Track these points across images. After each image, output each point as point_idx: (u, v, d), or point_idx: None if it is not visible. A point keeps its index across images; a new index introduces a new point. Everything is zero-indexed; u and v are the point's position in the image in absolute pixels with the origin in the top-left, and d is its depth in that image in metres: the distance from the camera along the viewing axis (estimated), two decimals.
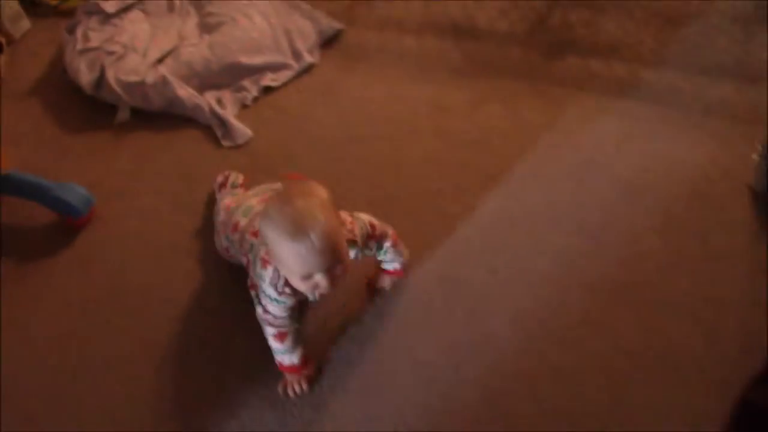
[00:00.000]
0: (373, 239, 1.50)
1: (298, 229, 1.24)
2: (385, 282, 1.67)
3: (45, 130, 2.16)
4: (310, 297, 1.38)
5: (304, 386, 1.53)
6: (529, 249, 1.71)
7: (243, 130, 2.10)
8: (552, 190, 1.83)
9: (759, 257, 1.64)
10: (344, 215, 1.44)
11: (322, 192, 1.31)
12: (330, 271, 1.30)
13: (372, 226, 1.50)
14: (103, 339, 1.67)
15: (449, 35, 2.28)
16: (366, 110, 2.10)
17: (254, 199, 1.61)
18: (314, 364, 1.56)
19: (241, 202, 1.63)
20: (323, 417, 1.50)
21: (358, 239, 1.44)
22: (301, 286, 1.33)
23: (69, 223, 1.89)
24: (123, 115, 2.17)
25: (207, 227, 1.82)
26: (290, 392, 1.53)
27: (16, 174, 1.87)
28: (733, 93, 1.98)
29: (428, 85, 2.14)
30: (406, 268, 1.66)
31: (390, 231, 1.56)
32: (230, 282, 1.71)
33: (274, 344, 1.49)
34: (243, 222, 1.55)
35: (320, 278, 1.30)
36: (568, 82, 2.09)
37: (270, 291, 1.40)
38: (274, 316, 1.44)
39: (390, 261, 1.62)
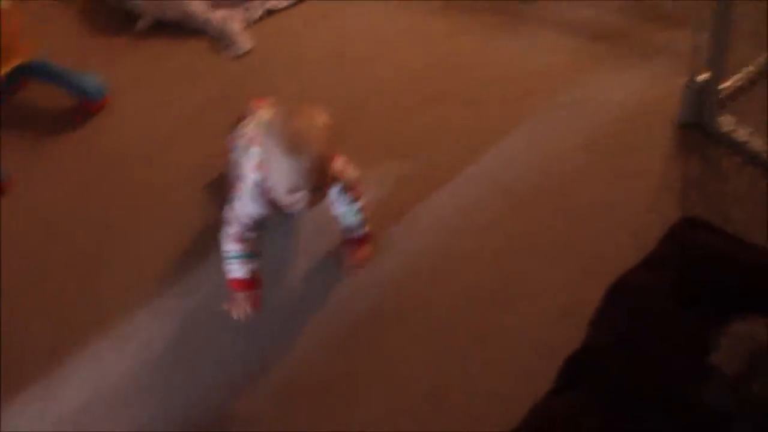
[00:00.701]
0: (350, 191, 1.61)
1: (295, 147, 1.38)
2: (360, 255, 1.69)
3: (71, 29, 2.50)
4: (287, 210, 1.54)
5: (249, 307, 1.55)
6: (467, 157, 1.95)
7: (244, 43, 2.37)
8: (504, 110, 2.06)
9: (668, 176, 1.84)
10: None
11: (324, 119, 1.44)
12: (313, 192, 1.44)
13: (356, 182, 1.62)
14: (95, 222, 1.93)
15: None
16: (353, 35, 2.36)
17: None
18: (261, 286, 1.58)
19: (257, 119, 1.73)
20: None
21: (341, 176, 1.57)
22: (283, 198, 1.46)
23: (83, 107, 2.19)
24: (143, 23, 2.46)
25: (207, 126, 2.10)
26: (235, 313, 1.56)
27: (41, 60, 2.18)
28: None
29: (411, 17, 2.39)
30: (370, 232, 1.70)
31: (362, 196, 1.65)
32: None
33: (231, 246, 1.54)
34: (252, 132, 1.66)
35: (303, 195, 1.44)
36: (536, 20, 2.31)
37: (251, 193, 1.51)
38: (244, 214, 1.52)
39: (353, 227, 1.67)
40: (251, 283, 1.57)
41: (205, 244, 1.78)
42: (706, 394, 1.26)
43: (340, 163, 1.57)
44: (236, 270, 1.56)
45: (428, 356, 1.57)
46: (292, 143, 1.38)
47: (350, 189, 1.62)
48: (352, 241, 1.69)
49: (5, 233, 1.91)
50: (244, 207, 1.53)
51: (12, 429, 1.54)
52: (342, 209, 1.65)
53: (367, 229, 1.70)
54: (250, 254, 1.56)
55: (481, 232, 1.78)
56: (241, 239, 1.55)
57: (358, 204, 1.65)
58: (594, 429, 1.22)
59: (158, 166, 2.04)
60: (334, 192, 1.59)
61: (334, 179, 1.54)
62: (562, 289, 1.65)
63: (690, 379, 1.27)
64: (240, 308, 1.56)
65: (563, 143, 1.95)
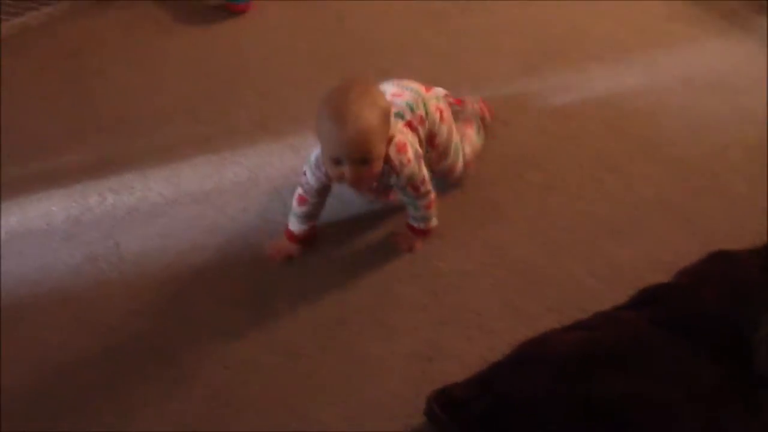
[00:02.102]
0: (411, 188, 1.60)
1: (338, 112, 1.42)
2: (407, 242, 1.71)
3: None
4: (336, 181, 1.55)
5: (281, 258, 1.70)
6: None
7: None
8: None
9: None
10: (399, 135, 1.54)
11: (380, 98, 1.47)
12: (356, 166, 1.45)
13: (422, 181, 1.59)
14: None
15: None
16: None
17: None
18: (301, 250, 1.70)
19: None
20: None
21: (399, 169, 1.54)
22: (330, 168, 1.49)
23: (228, 7, 2.43)
24: None
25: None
26: (270, 254, 1.71)
27: None
28: None
29: None
30: (429, 228, 1.70)
31: (431, 196, 1.64)
32: None
33: (294, 204, 1.67)
34: None
35: (346, 169, 1.46)
36: None
37: (311, 165, 1.60)
38: (306, 182, 1.62)
39: (415, 218, 1.68)
40: (296, 238, 1.70)
41: None
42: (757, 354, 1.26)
43: (400, 154, 1.54)
44: (291, 223, 1.69)
45: None
46: (339, 109, 1.42)
47: (413, 186, 1.60)
48: (410, 227, 1.70)
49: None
50: (307, 175, 1.62)
51: None
52: (405, 199, 1.66)
53: (429, 225, 1.68)
54: (306, 215, 1.67)
55: None
56: (303, 202, 1.66)
57: (423, 200, 1.64)
58: (651, 337, 1.27)
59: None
60: (394, 183, 1.59)
61: (391, 167, 1.54)
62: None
63: (746, 334, 1.27)
64: (277, 252, 1.70)
65: None
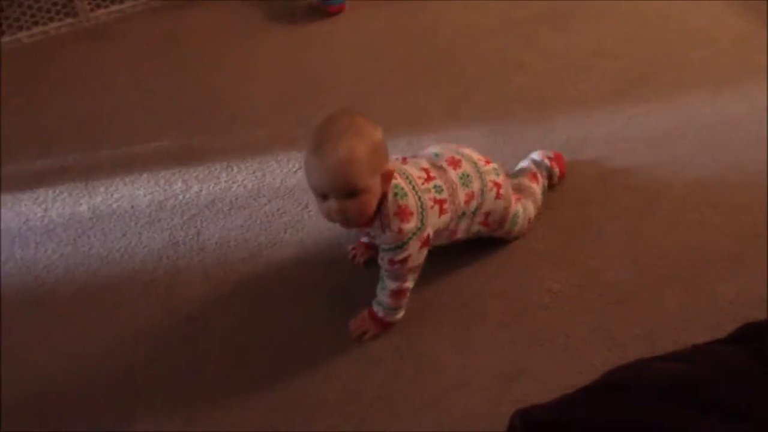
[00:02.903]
0: (388, 258, 1.44)
1: (320, 144, 1.32)
2: (360, 326, 1.53)
3: None
4: (326, 219, 1.42)
5: (362, 259, 1.65)
6: None
7: None
8: None
9: None
10: (412, 202, 1.41)
11: (370, 128, 1.35)
12: (341, 199, 1.34)
13: (401, 261, 1.43)
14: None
15: None
16: None
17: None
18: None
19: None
20: None
21: (386, 228, 1.41)
22: (318, 205, 1.40)
23: (322, 7, 2.46)
24: None
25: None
26: (352, 253, 1.67)
27: None
28: None
29: None
30: (385, 320, 1.51)
31: (404, 285, 1.47)
32: None
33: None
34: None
35: (333, 204, 1.35)
36: None
37: None
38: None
39: (378, 300, 1.51)
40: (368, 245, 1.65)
41: None
42: None
43: (398, 219, 1.40)
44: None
45: None
46: (321, 140, 1.33)
47: (390, 258, 1.44)
48: (370, 309, 1.52)
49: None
50: None
51: None
52: (381, 269, 1.49)
53: (389, 317, 1.50)
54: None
55: None
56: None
57: (392, 283, 1.47)
58: (754, 377, 1.17)
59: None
60: (379, 242, 1.45)
61: (381, 222, 1.40)
62: None
63: None
64: (357, 252, 1.67)
65: None
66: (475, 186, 1.53)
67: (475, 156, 1.58)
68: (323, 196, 1.36)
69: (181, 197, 1.85)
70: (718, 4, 2.36)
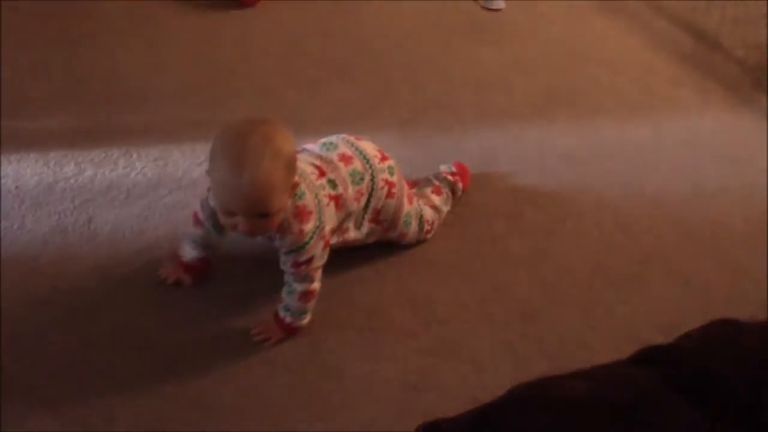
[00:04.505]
0: (292, 262, 1.38)
1: (235, 160, 1.23)
2: (264, 331, 1.46)
3: None
4: (229, 229, 1.38)
5: (172, 281, 1.52)
6: None
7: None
8: None
9: None
10: (310, 201, 1.37)
11: (286, 145, 1.28)
12: (251, 220, 1.28)
13: (306, 261, 1.38)
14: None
15: None
16: None
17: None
18: (193, 279, 1.51)
19: None
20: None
21: (285, 232, 1.35)
22: (222, 217, 1.32)
23: None
24: None
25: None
26: (164, 273, 1.52)
27: None
28: None
29: None
30: (293, 325, 1.44)
31: (311, 286, 1.41)
32: None
33: (191, 226, 1.50)
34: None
35: (240, 220, 1.29)
36: None
37: (210, 200, 1.41)
38: (206, 204, 1.44)
39: (285, 306, 1.43)
40: (185, 267, 1.52)
41: None
42: None
43: (297, 221, 1.35)
44: (184, 248, 1.51)
45: None
46: (237, 159, 1.23)
47: (294, 261, 1.38)
48: (276, 314, 1.44)
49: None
50: (202, 203, 1.46)
51: None
52: (285, 274, 1.42)
53: (296, 321, 1.43)
54: (200, 242, 1.50)
55: None
56: (198, 223, 1.49)
57: (299, 286, 1.40)
58: (664, 396, 1.17)
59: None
60: (278, 245, 1.38)
61: (279, 226, 1.34)
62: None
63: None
64: (168, 275, 1.53)
65: None
66: (365, 183, 1.49)
67: (371, 151, 1.53)
68: (231, 213, 1.29)
69: (72, 181, 1.72)
70: (633, 34, 2.45)
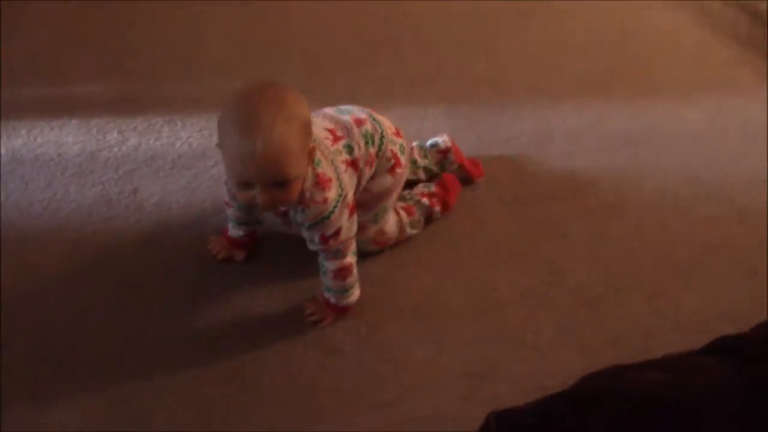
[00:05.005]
0: (319, 237, 1.31)
1: (246, 126, 1.16)
2: (316, 312, 1.40)
3: None
4: (245, 204, 1.30)
5: (221, 257, 1.47)
6: None
7: None
8: None
9: None
10: (328, 168, 1.29)
11: (299, 107, 1.21)
12: (269, 191, 1.19)
13: (334, 234, 1.30)
14: None
15: None
16: None
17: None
18: (244, 254, 1.48)
19: None
20: None
21: (307, 203, 1.27)
22: (237, 191, 1.23)
23: None
24: None
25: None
26: (213, 250, 1.48)
27: None
28: None
29: None
30: (339, 305, 1.38)
31: (346, 261, 1.34)
32: None
33: (227, 206, 1.45)
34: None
35: (257, 192, 1.20)
36: None
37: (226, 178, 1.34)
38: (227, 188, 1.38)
39: (326, 287, 1.37)
40: (231, 242, 1.47)
41: None
42: None
43: (318, 189, 1.27)
44: (229, 226, 1.47)
45: None
46: (247, 124, 1.16)
47: (322, 235, 1.30)
48: (323, 295, 1.38)
49: None
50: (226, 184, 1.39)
51: None
52: (318, 254, 1.35)
53: (343, 300, 1.37)
54: (237, 221, 1.44)
55: None
56: (227, 206, 1.44)
57: (333, 263, 1.33)
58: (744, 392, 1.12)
59: None
60: (300, 220, 1.30)
61: (300, 198, 1.25)
62: None
63: None
64: (218, 251, 1.48)
65: None
66: (375, 147, 1.41)
67: (387, 123, 1.46)
68: (245, 184, 1.20)
69: (116, 149, 1.66)
70: (684, 12, 2.36)
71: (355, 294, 1.39)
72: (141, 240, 1.49)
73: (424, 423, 1.25)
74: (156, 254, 1.46)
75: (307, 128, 1.22)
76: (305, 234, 1.32)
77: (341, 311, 1.39)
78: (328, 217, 1.28)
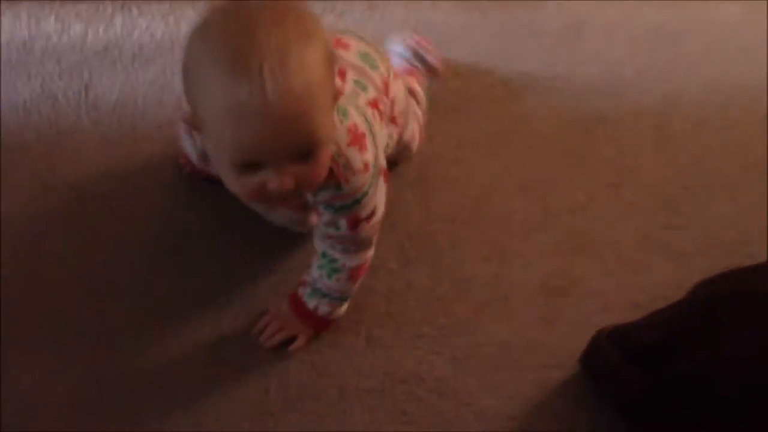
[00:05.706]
0: (349, 220, 0.90)
1: (244, 62, 0.69)
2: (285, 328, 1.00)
3: None
4: (249, 199, 0.86)
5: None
6: None
7: None
8: None
9: None
10: (356, 118, 0.87)
11: (314, 25, 0.74)
12: (287, 169, 0.74)
13: (368, 216, 0.91)
14: None
15: None
16: None
17: None
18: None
19: None
20: None
21: (346, 176, 0.85)
22: (231, 182, 0.77)
23: None
24: None
25: None
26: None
27: None
28: None
29: None
30: (329, 318, 1.00)
31: (368, 253, 0.96)
32: None
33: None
34: None
35: (270, 176, 0.74)
36: None
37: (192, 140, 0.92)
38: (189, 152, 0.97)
39: (316, 289, 0.98)
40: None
41: None
42: None
43: (354, 150, 0.85)
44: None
45: None
46: (242, 53, 0.69)
47: (353, 218, 0.89)
48: (298, 302, 0.99)
49: None
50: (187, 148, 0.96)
51: None
52: (323, 243, 0.95)
53: (333, 309, 0.98)
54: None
55: None
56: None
57: (354, 257, 0.95)
58: None
59: None
60: (324, 199, 0.87)
61: (332, 170, 0.83)
62: None
63: None
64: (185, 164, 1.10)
65: None
66: (383, 67, 0.98)
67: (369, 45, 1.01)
68: (248, 166, 0.74)
69: (55, 39, 1.29)
70: None
71: (347, 305, 1.00)
72: (100, 142, 1.14)
73: (503, 347, 0.98)
74: (116, 160, 1.11)
75: (331, 56, 0.76)
76: (326, 218, 0.89)
77: (324, 325, 0.99)
78: (367, 192, 0.86)
